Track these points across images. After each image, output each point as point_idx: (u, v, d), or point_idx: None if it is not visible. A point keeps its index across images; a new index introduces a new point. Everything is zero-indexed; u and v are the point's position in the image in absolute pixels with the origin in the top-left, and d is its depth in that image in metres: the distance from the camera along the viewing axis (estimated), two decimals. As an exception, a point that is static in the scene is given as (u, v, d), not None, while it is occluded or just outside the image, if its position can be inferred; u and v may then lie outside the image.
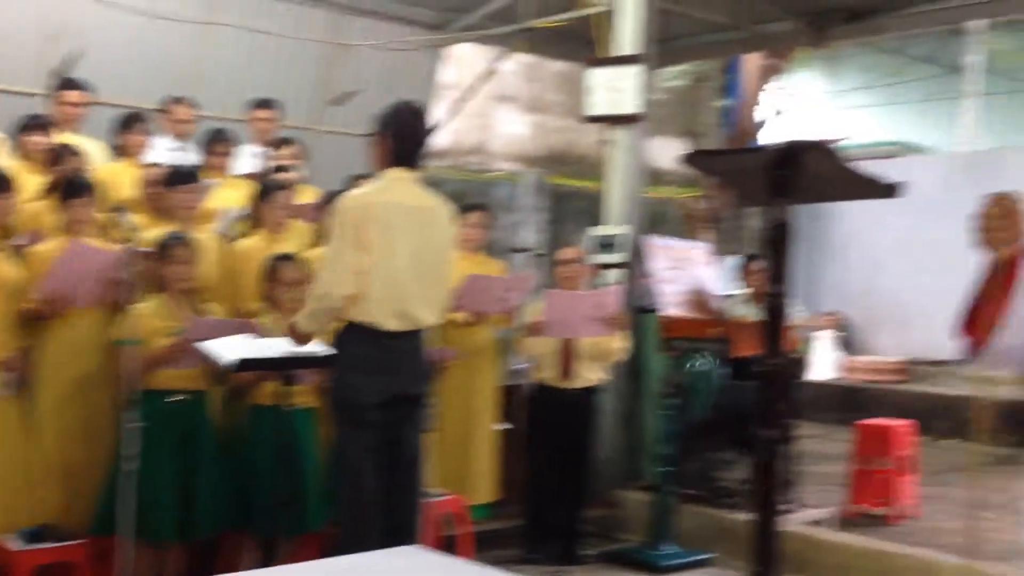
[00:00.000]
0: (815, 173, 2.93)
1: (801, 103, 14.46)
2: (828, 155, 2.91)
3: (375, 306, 3.92)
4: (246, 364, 4.03)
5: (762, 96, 11.20)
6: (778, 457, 2.84)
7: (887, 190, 2.92)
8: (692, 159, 3.32)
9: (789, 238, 2.95)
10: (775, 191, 2.94)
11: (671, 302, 6.26)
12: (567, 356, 5.43)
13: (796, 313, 6.73)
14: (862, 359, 11.57)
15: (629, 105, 6.25)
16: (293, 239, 5.16)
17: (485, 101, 9.76)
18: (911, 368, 10.90)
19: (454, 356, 5.28)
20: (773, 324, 2.99)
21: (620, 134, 6.37)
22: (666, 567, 5.40)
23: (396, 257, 3.95)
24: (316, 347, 4.15)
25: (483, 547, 5.20)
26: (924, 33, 11.57)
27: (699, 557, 5.52)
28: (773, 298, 2.95)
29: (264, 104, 6.38)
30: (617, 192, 6.37)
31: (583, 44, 6.95)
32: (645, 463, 6.19)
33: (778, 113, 12.03)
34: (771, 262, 2.96)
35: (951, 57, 13.81)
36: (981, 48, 13.34)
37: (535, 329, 5.38)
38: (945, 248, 11.34)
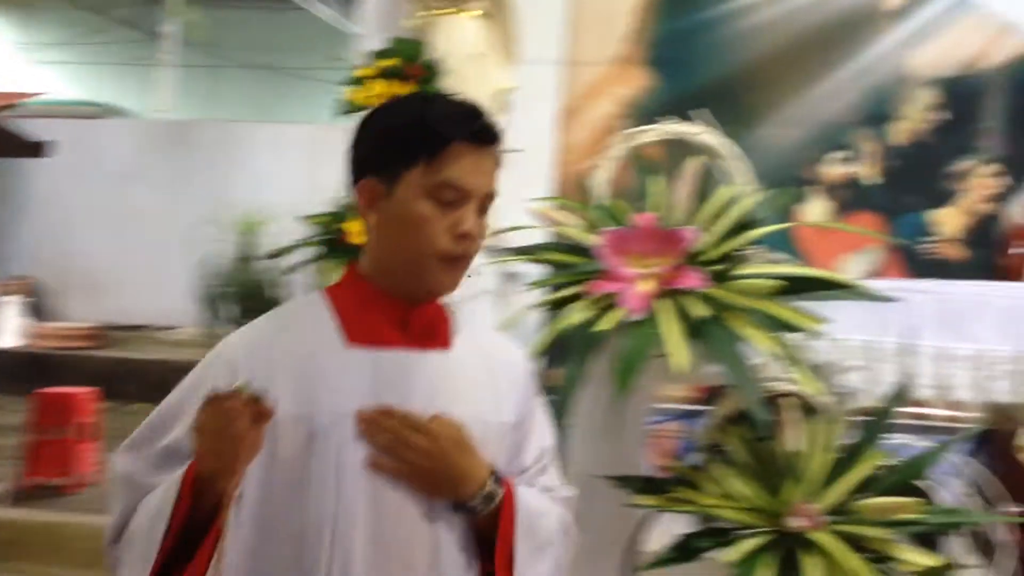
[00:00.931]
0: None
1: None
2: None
3: None
4: None
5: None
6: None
7: (34, 149, 2.79)
8: None
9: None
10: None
11: None
12: None
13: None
14: (52, 325, 11.18)
15: None
16: None
17: None
18: (104, 334, 10.82)
19: None
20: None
21: None
22: None
23: None
24: None
25: None
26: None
27: None
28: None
29: None
30: None
31: None
32: None
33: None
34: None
35: (152, 24, 14.02)
36: (178, 19, 13.73)
37: None
38: (140, 214, 11.55)
